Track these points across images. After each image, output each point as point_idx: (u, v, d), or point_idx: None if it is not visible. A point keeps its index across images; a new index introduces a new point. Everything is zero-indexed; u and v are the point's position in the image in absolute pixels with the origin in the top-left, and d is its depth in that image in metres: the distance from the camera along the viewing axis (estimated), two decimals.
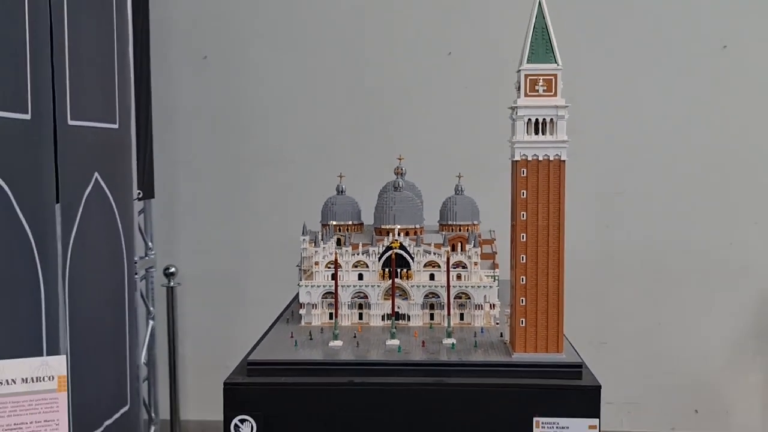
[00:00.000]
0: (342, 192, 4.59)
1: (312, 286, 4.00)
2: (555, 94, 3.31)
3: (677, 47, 6.42)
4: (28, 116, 3.72)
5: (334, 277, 3.87)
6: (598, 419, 3.20)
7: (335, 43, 6.52)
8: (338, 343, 3.60)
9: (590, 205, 6.22)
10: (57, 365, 2.47)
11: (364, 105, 6.54)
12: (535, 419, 3.20)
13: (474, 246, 4.05)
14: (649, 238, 6.52)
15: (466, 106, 6.46)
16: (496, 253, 4.28)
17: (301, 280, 4.09)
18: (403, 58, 6.52)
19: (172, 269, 6.39)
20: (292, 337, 3.74)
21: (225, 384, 3.25)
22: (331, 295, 3.94)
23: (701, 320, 6.56)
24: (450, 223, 4.41)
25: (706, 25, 6.41)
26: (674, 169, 6.50)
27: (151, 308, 6.40)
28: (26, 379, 2.41)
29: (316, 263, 4.03)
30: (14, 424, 2.36)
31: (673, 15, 6.43)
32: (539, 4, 3.31)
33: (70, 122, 4.18)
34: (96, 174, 4.57)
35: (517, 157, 3.31)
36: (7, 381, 2.38)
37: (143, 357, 6.18)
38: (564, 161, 3.31)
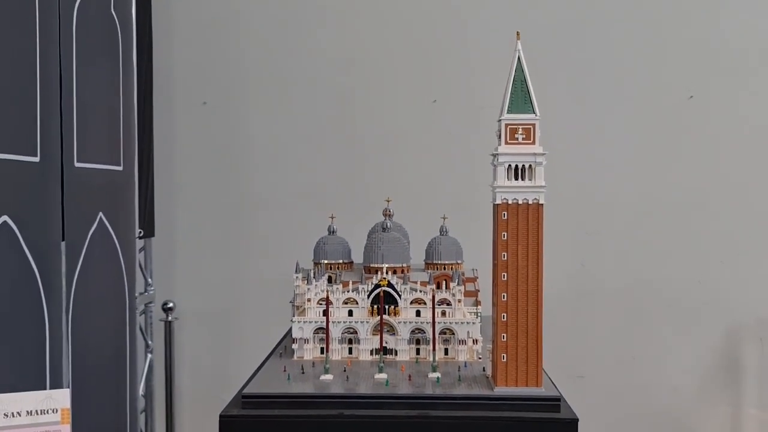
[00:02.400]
0: (333, 232, 4.62)
1: (304, 322, 4.00)
2: (533, 142, 3.38)
3: (646, 97, 6.50)
4: (37, 158, 3.72)
5: (326, 313, 3.88)
6: None
7: (326, 93, 6.58)
8: (329, 377, 3.60)
9: (566, 244, 6.23)
10: (61, 398, 2.46)
11: (354, 150, 6.59)
12: None
13: (458, 284, 4.07)
14: (623, 275, 6.54)
15: (450, 150, 6.50)
16: (478, 290, 4.30)
17: (294, 316, 4.09)
18: (391, 106, 6.58)
19: (171, 304, 6.36)
20: (285, 371, 3.73)
21: (221, 416, 3.23)
22: (323, 331, 3.94)
23: (673, 353, 6.56)
24: (435, 261, 4.44)
25: (672, 76, 6.49)
26: (645, 211, 6.54)
27: (150, 342, 6.35)
28: (31, 411, 2.40)
29: (308, 300, 4.03)
30: None
31: (642, 66, 6.51)
32: (518, 58, 3.38)
33: (77, 164, 4.19)
34: (100, 214, 4.55)
35: (498, 201, 3.36)
36: (12, 414, 2.36)
37: (141, 389, 6.12)
38: (542, 205, 3.36)
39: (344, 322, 3.90)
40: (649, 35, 6.49)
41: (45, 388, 3.65)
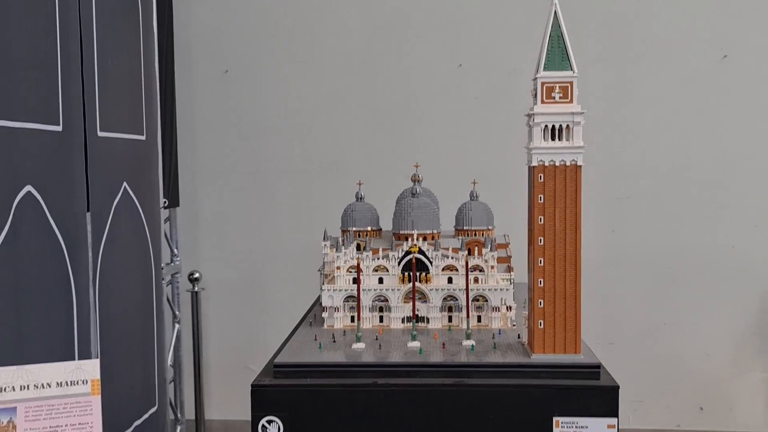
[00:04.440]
0: (361, 199, 4.52)
1: (334, 290, 3.92)
2: (571, 101, 3.24)
3: (678, 57, 6.33)
4: (59, 128, 3.66)
5: (356, 281, 3.79)
6: (616, 419, 3.10)
7: (351, 57, 6.46)
8: (361, 345, 3.51)
9: (597, 209, 6.12)
10: (91, 369, 2.39)
11: (381, 116, 6.48)
12: (554, 419, 3.10)
13: (491, 250, 3.96)
14: (654, 241, 6.42)
15: (478, 115, 6.38)
16: (510, 256, 4.19)
17: (323, 284, 4.00)
18: (417, 70, 6.46)
19: (197, 275, 6.33)
20: (316, 339, 3.65)
21: (252, 386, 3.17)
22: (353, 299, 3.86)
23: (705, 320, 6.45)
24: (466, 228, 4.33)
25: (706, 34, 6.29)
26: (677, 175, 6.41)
27: (177, 312, 6.33)
28: (61, 383, 2.33)
29: (338, 268, 3.94)
30: (50, 427, 2.28)
31: (675, 25, 6.32)
32: (555, 12, 3.23)
33: (100, 134, 4.12)
34: (125, 183, 4.50)
35: (534, 163, 3.23)
36: (42, 385, 2.29)
37: (169, 359, 6.11)
38: (580, 166, 3.23)
39: (375, 289, 3.82)
40: None
41: (74, 359, 3.60)
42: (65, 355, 3.61)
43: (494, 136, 6.20)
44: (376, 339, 3.66)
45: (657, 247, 6.45)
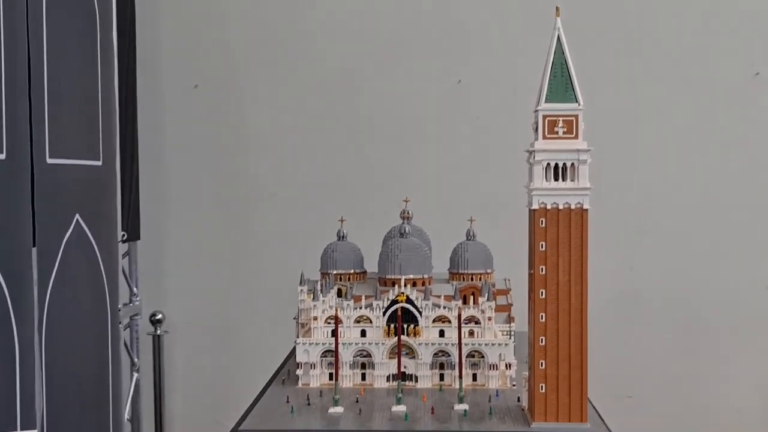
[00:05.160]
0: (343, 238, 4.54)
1: (310, 344, 3.91)
2: (576, 137, 3.26)
3: (703, 76, 6.32)
4: (2, 155, 3.64)
5: (335, 333, 3.79)
6: None
7: (337, 72, 6.45)
8: (339, 409, 3.51)
9: (614, 243, 6.11)
10: None
11: (368, 140, 6.47)
12: None
13: (488, 299, 3.97)
14: (678, 280, 6.40)
15: (478, 140, 6.37)
16: (511, 304, 4.20)
17: (298, 336, 4.00)
18: (409, 87, 6.45)
19: (159, 316, 6.31)
20: (288, 401, 3.64)
21: None
22: (331, 354, 3.85)
23: (735, 371, 6.41)
24: (461, 271, 4.34)
25: (734, 50, 6.31)
26: (705, 205, 6.38)
27: (136, 359, 6.30)
28: None
29: (315, 318, 3.95)
30: None
31: (699, 41, 6.34)
32: (558, 38, 3.26)
33: (49, 160, 4.09)
34: (77, 215, 4.45)
35: (535, 206, 3.24)
36: None
37: (127, 413, 6.07)
38: (587, 210, 3.25)
39: (356, 343, 3.82)
40: (706, 5, 6.34)
41: (15, 425, 3.57)
42: (5, 418, 3.58)
43: (496, 164, 6.12)
44: (357, 401, 3.65)
45: (681, 287, 6.41)
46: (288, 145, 6.53)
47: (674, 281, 6.45)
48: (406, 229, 4.23)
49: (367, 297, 3.91)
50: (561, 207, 3.28)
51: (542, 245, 3.26)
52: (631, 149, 6.27)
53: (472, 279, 4.25)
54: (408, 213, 4.31)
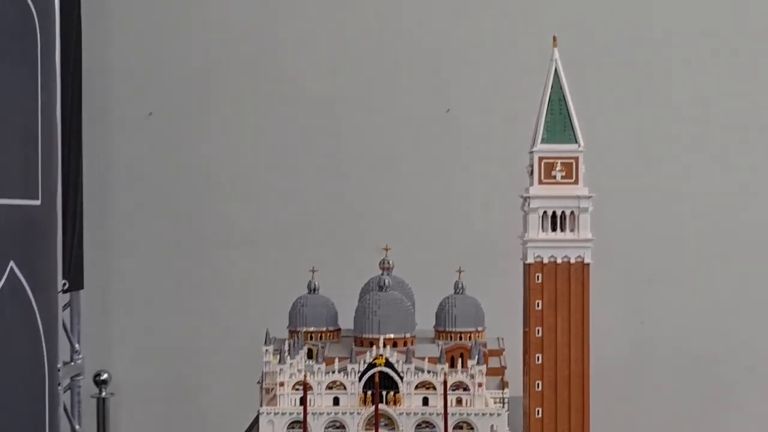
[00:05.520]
0: (315, 290, 4.54)
1: (275, 414, 3.90)
2: (576, 181, 3.31)
3: (720, 109, 6.44)
4: None
5: (304, 401, 3.78)
6: None
7: (311, 100, 6.48)
8: None
9: (623, 295, 6.17)
10: None
11: (344, 177, 6.50)
12: None
13: (478, 362, 3.95)
14: (694, 337, 6.42)
15: (469, 179, 6.41)
16: (505, 367, 4.19)
17: (262, 404, 4.00)
18: (392, 115, 6.48)
19: (104, 376, 6.26)
20: None
21: None
22: (299, 425, 3.84)
23: None
24: (448, 329, 4.35)
25: (756, 81, 6.44)
26: (721, 252, 6.43)
27: (77, 426, 6.25)
28: None
29: (281, 384, 3.94)
30: None
31: (719, 71, 6.42)
32: (555, 71, 3.32)
33: None
34: (11, 263, 4.45)
35: (530, 259, 3.29)
36: None
37: None
38: (588, 264, 3.29)
39: (328, 413, 3.82)
40: (724, 36, 6.43)
41: None
42: None
43: (489, 207, 6.12)
44: None
45: (698, 345, 6.44)
46: (254, 183, 6.53)
47: (690, 337, 6.47)
48: (386, 281, 4.25)
49: (341, 359, 3.91)
50: (559, 261, 3.32)
51: (538, 304, 3.30)
52: (638, 193, 6.35)
53: (460, 338, 4.26)
54: (388, 263, 4.34)
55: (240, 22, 6.53)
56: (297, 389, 3.94)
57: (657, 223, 6.44)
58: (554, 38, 3.30)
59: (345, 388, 3.95)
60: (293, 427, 3.92)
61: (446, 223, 6.35)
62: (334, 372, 3.98)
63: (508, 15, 6.35)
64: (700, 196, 6.46)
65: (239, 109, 6.59)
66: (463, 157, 6.45)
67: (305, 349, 4.17)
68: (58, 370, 5.18)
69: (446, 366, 4.00)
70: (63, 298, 5.88)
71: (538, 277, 3.16)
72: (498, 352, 4.31)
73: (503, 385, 4.08)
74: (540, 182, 3.24)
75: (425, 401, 3.95)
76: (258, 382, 4.30)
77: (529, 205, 3.21)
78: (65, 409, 6.14)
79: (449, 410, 3.79)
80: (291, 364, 3.99)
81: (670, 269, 6.48)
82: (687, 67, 6.43)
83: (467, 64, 6.46)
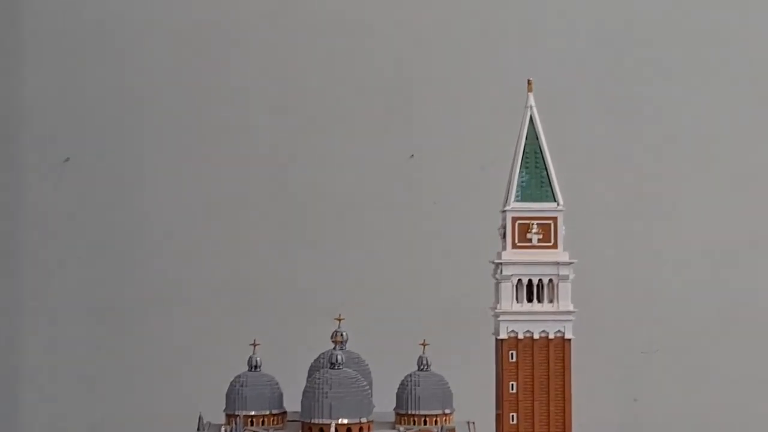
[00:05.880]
0: (256, 367, 4.48)
1: None
2: (554, 245, 3.29)
3: (727, 153, 6.56)
4: None
5: None
6: None
7: (249, 141, 6.49)
8: None
9: (614, 369, 6.17)
10: None
11: (291, 233, 6.44)
12: None
13: None
14: (695, 414, 6.44)
15: (434, 237, 6.37)
16: None
17: None
18: (348, 162, 6.49)
19: None
20: None
21: None
22: None
23: None
24: (411, 412, 4.29)
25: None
26: (725, 320, 6.48)
27: None
28: None
29: None
30: None
31: (727, 110, 6.54)
32: (531, 119, 3.32)
33: None
34: None
35: (502, 334, 3.26)
36: None
37: None
38: (569, 340, 3.26)
39: None
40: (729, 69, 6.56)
41: None
42: None
43: (458, 269, 6.08)
44: None
45: (699, 424, 6.46)
46: (186, 239, 6.48)
47: (690, 416, 6.47)
48: (339, 356, 4.24)
49: None
50: (537, 336, 3.32)
51: (512, 386, 3.28)
52: (625, 256, 6.38)
53: (425, 422, 4.23)
54: (341, 335, 4.34)
55: (180, 59, 6.57)
56: None
57: (648, 289, 6.48)
58: (529, 82, 3.28)
59: None
60: None
61: (409, 289, 6.32)
62: None
63: (480, 57, 6.44)
64: (696, 257, 6.55)
65: (170, 151, 6.59)
66: (429, 214, 6.44)
67: None
68: None
69: None
70: None
71: (512, 355, 3.15)
72: None
73: None
74: (514, 246, 3.24)
75: None
76: None
77: (501, 272, 3.20)
78: None
79: None
80: None
81: (665, 344, 6.53)
82: (678, 117, 6.57)
83: (431, 107, 6.54)
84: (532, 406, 3.27)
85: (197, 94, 6.55)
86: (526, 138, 3.31)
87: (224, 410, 4.43)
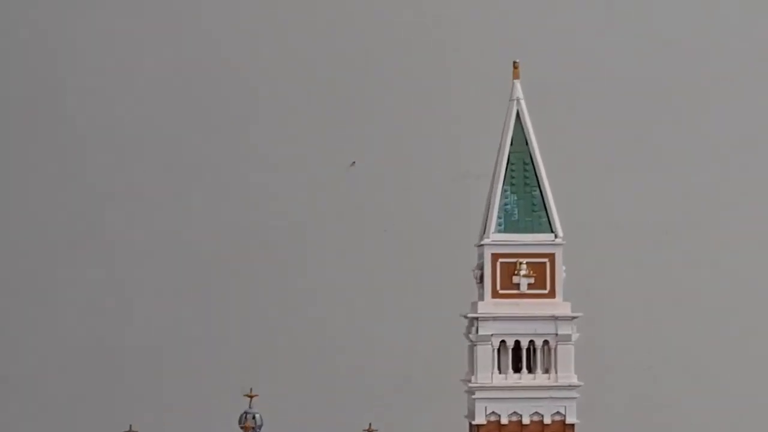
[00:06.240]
0: None
1: None
2: (552, 293, 2.89)
3: (737, 179, 6.68)
4: None
5: None
6: None
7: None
8: None
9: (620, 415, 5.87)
10: None
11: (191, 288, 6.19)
12: None
13: None
14: None
15: (383, 273, 6.08)
16: None
17: None
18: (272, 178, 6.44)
19: None
20: None
21: None
22: None
23: None
24: None
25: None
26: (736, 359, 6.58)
27: None
28: None
29: None
30: None
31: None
32: (517, 115, 2.93)
33: None
34: None
35: (479, 418, 2.85)
36: None
37: None
38: (573, 425, 2.91)
39: None
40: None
41: None
42: None
43: (417, 320, 5.85)
44: None
45: None
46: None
47: None
48: None
49: None
50: (527, 420, 2.95)
51: None
52: (647, 306, 6.21)
53: None
54: (253, 418, 3.94)
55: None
56: None
57: (672, 347, 6.34)
58: (515, 64, 2.86)
59: None
60: None
61: (350, 353, 5.98)
62: None
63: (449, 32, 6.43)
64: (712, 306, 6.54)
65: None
66: (376, 247, 6.17)
67: None
68: None
69: None
70: None
71: None
72: None
73: None
74: (495, 294, 2.89)
75: None
76: None
77: (477, 330, 2.84)
78: None
79: None
80: None
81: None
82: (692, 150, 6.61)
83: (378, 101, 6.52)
84: None
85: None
86: (512, 143, 2.91)
87: None
